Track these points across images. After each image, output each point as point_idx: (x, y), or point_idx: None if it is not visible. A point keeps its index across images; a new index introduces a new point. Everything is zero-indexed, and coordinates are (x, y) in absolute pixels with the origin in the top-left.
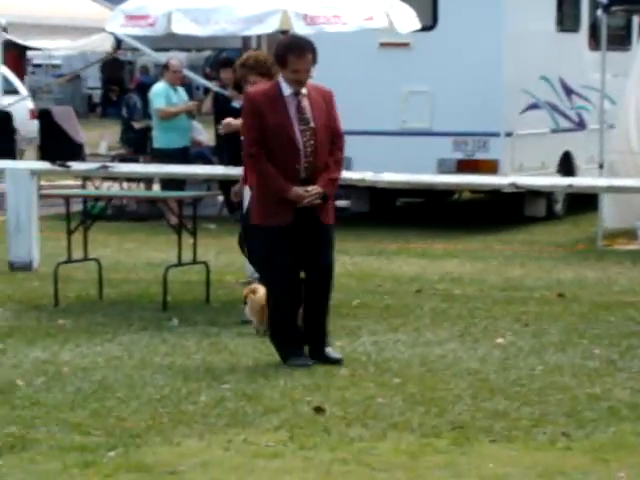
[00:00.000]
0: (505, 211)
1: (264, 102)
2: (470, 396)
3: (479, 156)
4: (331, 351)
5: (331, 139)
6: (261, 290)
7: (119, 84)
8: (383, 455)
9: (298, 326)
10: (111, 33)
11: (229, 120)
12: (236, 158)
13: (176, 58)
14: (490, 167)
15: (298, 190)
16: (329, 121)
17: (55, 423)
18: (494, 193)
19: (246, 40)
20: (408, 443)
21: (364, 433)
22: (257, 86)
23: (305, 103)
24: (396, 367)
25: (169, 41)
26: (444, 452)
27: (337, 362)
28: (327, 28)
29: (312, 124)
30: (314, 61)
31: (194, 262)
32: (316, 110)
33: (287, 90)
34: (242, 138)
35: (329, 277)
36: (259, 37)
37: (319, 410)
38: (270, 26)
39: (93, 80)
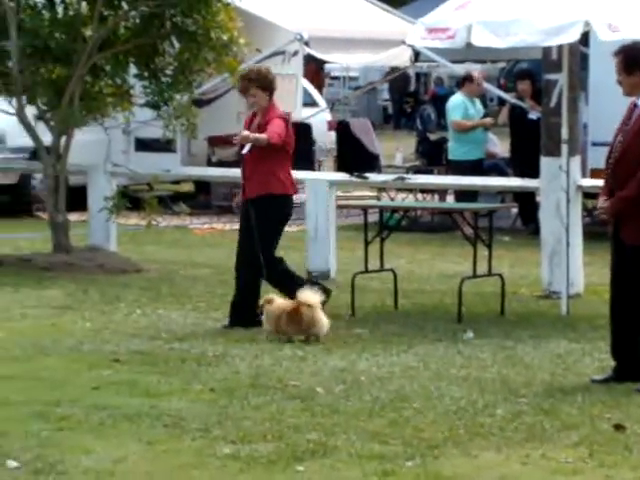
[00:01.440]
0: None
1: (625, 112)
2: None
3: None
4: None
5: None
6: (277, 300)
7: (413, 96)
8: None
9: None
10: (410, 46)
11: (246, 133)
12: (527, 169)
13: (476, 70)
14: None
15: (599, 201)
16: None
17: (354, 431)
18: None
19: (546, 51)
20: None
21: None
22: None
23: (635, 114)
24: None
25: (465, 53)
26: None
27: None
28: (631, 36)
29: (622, 137)
30: (623, 66)
31: (489, 274)
32: (635, 124)
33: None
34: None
35: (635, 312)
36: (560, 47)
37: (619, 427)
38: (572, 36)
39: (388, 92)
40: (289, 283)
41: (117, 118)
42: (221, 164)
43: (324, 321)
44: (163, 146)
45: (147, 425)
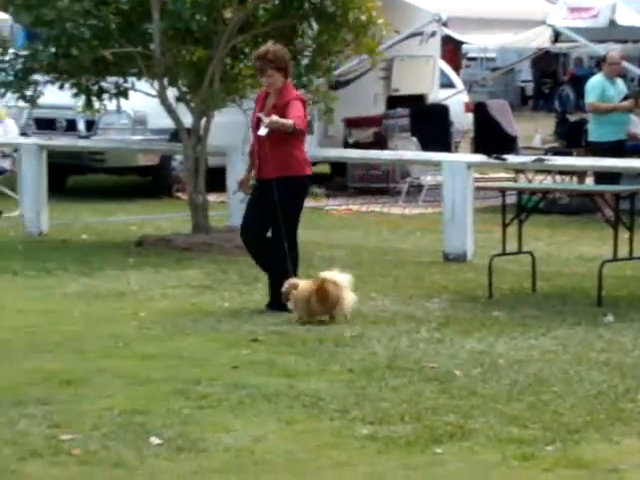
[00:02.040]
0: None
1: None
2: None
3: None
4: None
5: None
6: (301, 283)
7: (552, 77)
8: None
9: None
10: (550, 26)
11: (275, 118)
12: None
13: (615, 50)
14: None
15: None
16: None
17: (492, 414)
18: None
19: None
20: None
21: None
22: None
23: None
24: None
25: (606, 33)
26: None
27: None
28: None
29: None
30: None
31: (630, 257)
32: None
33: None
34: None
35: None
36: None
37: None
38: None
39: (526, 73)
40: (285, 266)
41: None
42: (357, 145)
43: (350, 298)
44: None
45: (286, 405)
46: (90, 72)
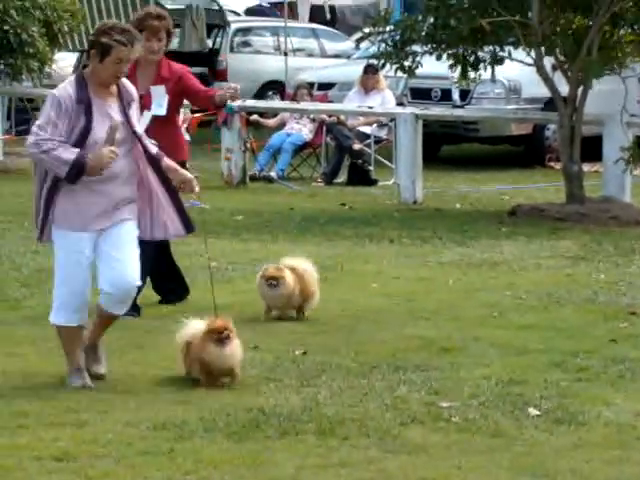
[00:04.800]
0: None
1: None
2: None
3: None
4: None
5: None
6: (286, 275)
7: None
8: None
9: None
10: None
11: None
12: None
13: None
14: None
15: None
16: None
17: None
18: None
19: None
20: None
21: None
22: None
23: None
24: None
25: None
26: None
27: None
28: None
29: None
30: None
31: None
32: None
33: None
34: None
35: None
36: None
37: None
38: None
39: None
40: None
41: (634, 68)
42: None
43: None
44: None
45: None
46: (467, 42)
